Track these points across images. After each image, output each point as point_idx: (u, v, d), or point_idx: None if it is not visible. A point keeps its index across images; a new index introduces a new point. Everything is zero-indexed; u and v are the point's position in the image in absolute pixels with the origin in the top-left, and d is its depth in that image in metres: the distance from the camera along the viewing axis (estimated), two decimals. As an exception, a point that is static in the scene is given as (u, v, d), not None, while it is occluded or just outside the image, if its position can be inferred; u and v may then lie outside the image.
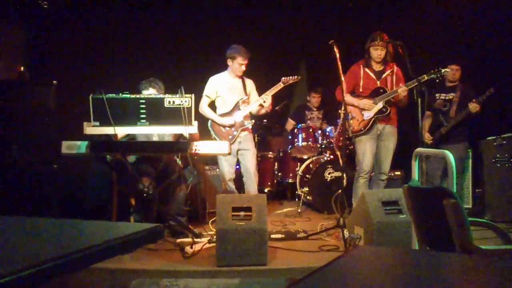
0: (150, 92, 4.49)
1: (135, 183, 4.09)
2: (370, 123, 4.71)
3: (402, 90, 4.53)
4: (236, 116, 4.86)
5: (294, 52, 7.27)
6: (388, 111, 4.67)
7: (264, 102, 4.84)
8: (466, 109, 5.01)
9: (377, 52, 4.67)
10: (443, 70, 4.43)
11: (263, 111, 5.03)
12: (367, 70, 4.77)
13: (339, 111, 4.83)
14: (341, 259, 1.34)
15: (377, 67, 4.77)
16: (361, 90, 4.78)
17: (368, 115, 4.72)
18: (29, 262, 1.00)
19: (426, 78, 4.44)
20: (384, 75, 4.76)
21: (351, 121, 4.72)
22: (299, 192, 5.87)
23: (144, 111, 3.78)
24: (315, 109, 6.75)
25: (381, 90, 4.70)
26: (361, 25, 6.23)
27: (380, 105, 4.68)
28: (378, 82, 4.74)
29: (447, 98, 5.27)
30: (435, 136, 5.24)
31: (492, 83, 5.04)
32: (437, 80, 4.52)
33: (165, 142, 4.31)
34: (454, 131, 5.18)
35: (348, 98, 4.70)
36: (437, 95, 5.31)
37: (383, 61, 4.73)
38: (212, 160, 5.35)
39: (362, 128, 4.73)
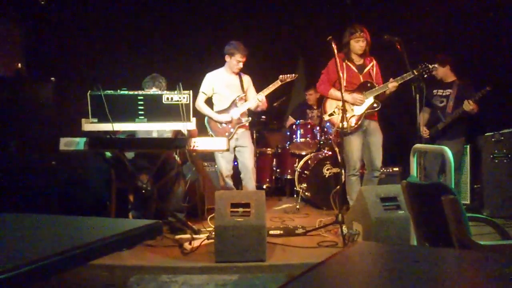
0: (153, 91, 4.48)
1: (133, 179, 4.09)
2: (361, 119, 4.62)
3: (393, 86, 4.48)
4: (233, 113, 4.85)
5: (292, 49, 7.26)
6: (379, 106, 4.60)
7: (260, 101, 4.83)
8: (461, 107, 5.03)
9: (359, 44, 4.57)
10: (431, 66, 4.40)
11: (259, 109, 5.02)
12: (348, 63, 4.66)
13: (326, 105, 4.78)
14: (339, 255, 1.34)
15: (358, 61, 4.67)
16: (344, 84, 4.61)
17: (358, 110, 4.62)
18: (28, 259, 1.00)
19: (416, 73, 4.37)
20: (366, 69, 4.68)
21: (340, 117, 4.65)
22: (297, 188, 5.87)
23: (142, 107, 3.77)
24: (315, 108, 6.73)
25: (369, 85, 4.61)
26: (358, 21, 6.22)
27: (371, 100, 4.58)
28: (361, 77, 4.66)
29: (444, 94, 5.28)
30: (432, 131, 5.25)
31: (491, 80, 5.04)
32: (425, 76, 4.49)
33: (163, 139, 4.31)
34: (450, 127, 5.19)
35: (335, 92, 4.61)
36: (434, 91, 5.33)
37: (363, 54, 4.63)
38: (211, 157, 5.34)
39: (353, 124, 4.65)
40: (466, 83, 5.24)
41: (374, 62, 4.74)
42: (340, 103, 4.51)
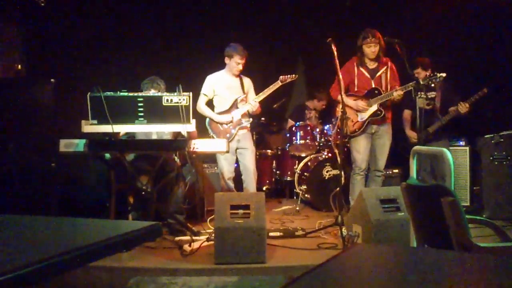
0: (151, 93, 4.47)
1: (133, 181, 4.09)
2: (364, 124, 4.71)
3: (398, 94, 4.53)
4: (234, 114, 4.85)
5: (291, 50, 7.26)
6: (382, 114, 4.65)
7: (253, 106, 4.84)
8: (455, 109, 5.03)
9: (370, 49, 4.63)
10: (438, 75, 4.42)
11: (253, 112, 5.01)
12: (361, 68, 4.74)
13: (337, 109, 4.83)
14: (339, 257, 1.34)
15: (371, 65, 4.74)
16: (356, 89, 4.76)
17: (362, 116, 4.71)
18: (27, 261, 1.00)
19: (422, 82, 4.43)
20: (378, 74, 4.73)
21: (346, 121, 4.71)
22: (297, 190, 5.87)
23: (142, 109, 3.77)
24: (313, 109, 6.73)
25: (376, 91, 4.68)
26: (358, 23, 6.23)
27: (374, 107, 4.66)
28: (372, 82, 4.72)
29: (429, 97, 5.27)
30: (423, 134, 5.22)
31: (488, 81, 5.05)
32: (433, 85, 4.53)
33: (163, 140, 4.30)
34: (436, 129, 5.21)
35: (344, 98, 4.68)
36: (417, 93, 5.31)
37: (376, 58, 4.70)
38: (210, 158, 5.35)
39: (357, 130, 4.73)
40: (449, 85, 5.25)
41: (389, 65, 4.78)
42: (348, 109, 4.69)
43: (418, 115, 4.30)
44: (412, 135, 5.33)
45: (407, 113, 5.44)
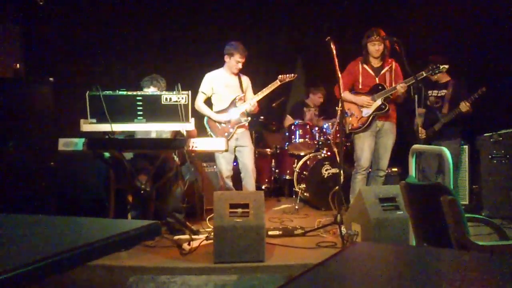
0: (151, 91, 4.48)
1: (132, 180, 4.09)
2: (369, 120, 4.71)
3: (401, 87, 4.54)
4: (232, 113, 4.85)
5: (291, 49, 7.26)
6: (387, 108, 4.67)
7: (252, 105, 4.84)
8: (457, 108, 5.04)
9: (375, 48, 4.66)
10: (441, 67, 4.43)
11: (250, 112, 5.01)
12: (365, 66, 4.77)
13: (337, 108, 4.84)
14: (338, 256, 1.34)
15: (376, 63, 4.77)
16: (360, 87, 4.79)
17: (366, 112, 4.73)
18: (26, 260, 0.99)
19: (424, 74, 4.46)
20: (382, 72, 4.76)
21: (350, 118, 4.72)
22: (296, 188, 5.87)
23: (141, 108, 3.77)
24: (313, 106, 6.73)
25: (380, 87, 4.70)
26: (357, 21, 6.23)
27: (378, 102, 4.68)
28: (376, 79, 4.74)
29: (439, 95, 5.28)
30: (429, 132, 5.24)
31: (488, 80, 5.04)
32: (435, 77, 4.53)
33: (162, 139, 4.30)
34: (446, 128, 5.20)
35: (346, 95, 4.71)
36: (429, 92, 5.32)
37: (381, 57, 4.73)
38: (210, 157, 5.34)
39: (361, 125, 4.74)
40: (461, 83, 5.24)
41: (394, 64, 4.81)
42: (352, 105, 4.67)
43: (416, 114, 4.31)
44: (421, 131, 5.29)
45: (420, 111, 5.34)
